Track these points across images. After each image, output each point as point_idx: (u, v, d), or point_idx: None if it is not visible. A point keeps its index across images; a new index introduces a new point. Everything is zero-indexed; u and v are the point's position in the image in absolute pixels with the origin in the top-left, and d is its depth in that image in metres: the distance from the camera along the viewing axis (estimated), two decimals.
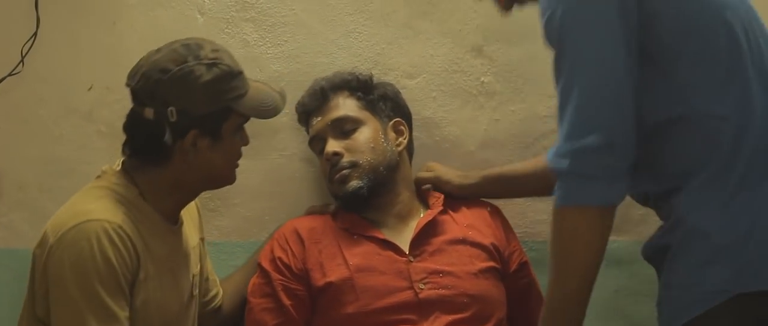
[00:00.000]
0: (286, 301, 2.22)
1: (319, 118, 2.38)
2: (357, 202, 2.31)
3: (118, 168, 2.13)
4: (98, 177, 2.13)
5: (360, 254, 2.24)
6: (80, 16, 2.61)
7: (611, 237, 1.86)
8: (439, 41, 2.62)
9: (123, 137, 2.52)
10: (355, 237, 2.29)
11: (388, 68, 2.56)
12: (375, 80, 2.45)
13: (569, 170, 1.73)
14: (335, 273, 2.21)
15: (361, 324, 2.17)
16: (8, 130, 2.60)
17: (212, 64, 2.07)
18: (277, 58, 2.60)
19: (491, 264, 2.28)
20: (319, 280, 2.22)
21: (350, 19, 2.61)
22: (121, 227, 1.98)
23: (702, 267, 1.69)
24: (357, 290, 2.18)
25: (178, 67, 2.05)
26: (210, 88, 2.05)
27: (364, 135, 2.34)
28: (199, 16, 2.60)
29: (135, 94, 2.11)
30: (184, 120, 2.04)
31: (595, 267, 1.79)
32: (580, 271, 1.78)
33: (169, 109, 2.04)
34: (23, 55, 2.56)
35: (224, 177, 2.18)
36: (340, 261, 2.23)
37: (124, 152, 2.15)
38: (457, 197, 2.40)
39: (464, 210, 2.37)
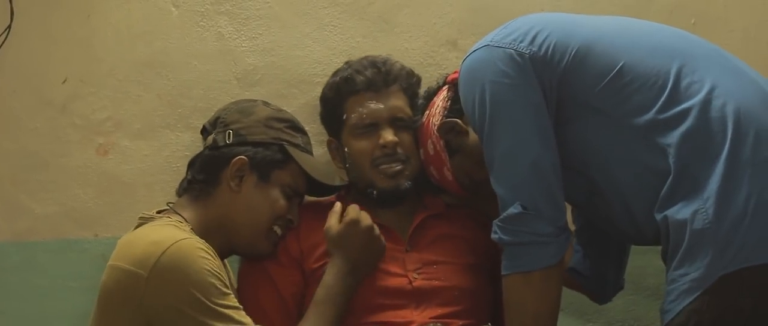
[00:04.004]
0: (282, 289, 2.21)
1: (380, 105, 2.31)
2: (397, 200, 2.29)
3: (155, 212, 2.13)
4: (140, 224, 2.10)
5: None
6: (55, 8, 2.61)
7: None
8: (414, 34, 2.62)
9: (97, 129, 2.55)
10: None
11: None
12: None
13: (505, 240, 1.92)
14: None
15: (353, 304, 2.16)
16: None
17: (277, 109, 2.25)
18: (251, 51, 2.60)
19: (483, 261, 2.28)
20: (313, 263, 2.22)
21: (325, 13, 2.62)
22: (204, 243, 1.99)
23: (689, 257, 1.72)
24: None
25: (247, 103, 2.26)
26: (269, 119, 2.19)
27: (410, 137, 2.32)
28: (173, 9, 2.60)
29: (206, 130, 2.23)
30: (239, 143, 2.14)
31: (549, 324, 1.95)
32: None
33: (227, 131, 2.15)
34: None
35: (260, 230, 2.16)
36: None
37: (177, 191, 2.20)
38: (456, 204, 2.40)
39: (462, 213, 2.37)
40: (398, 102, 2.33)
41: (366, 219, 2.17)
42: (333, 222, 2.17)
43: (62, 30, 2.61)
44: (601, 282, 2.25)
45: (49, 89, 2.58)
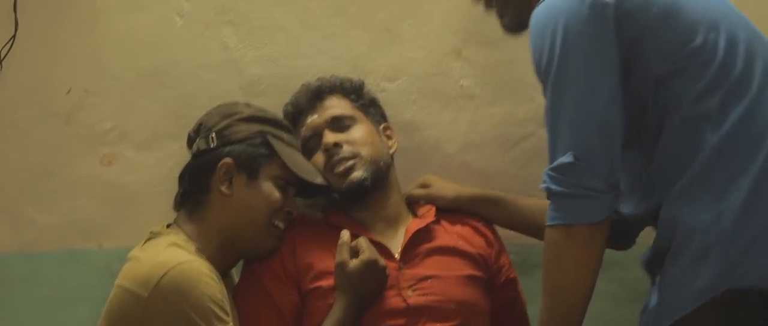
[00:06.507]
0: (283, 307, 2.19)
1: (315, 116, 2.36)
2: (358, 195, 2.28)
3: (165, 226, 2.13)
4: (149, 238, 2.10)
5: None
6: (59, 19, 2.60)
7: None
8: (418, 44, 2.61)
9: (101, 139, 2.55)
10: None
11: (367, 71, 2.55)
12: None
13: (553, 190, 1.82)
14: (325, 277, 2.19)
15: None
16: None
17: (259, 109, 2.25)
18: (256, 61, 2.59)
19: (479, 273, 2.27)
20: (309, 282, 2.20)
21: (329, 23, 2.61)
22: (208, 266, 1.99)
23: (694, 264, 1.70)
24: None
25: (227, 106, 2.26)
26: (250, 118, 2.19)
27: (361, 131, 2.34)
28: (178, 19, 2.60)
29: (191, 139, 2.22)
30: (222, 145, 2.14)
31: (586, 286, 1.85)
32: (571, 291, 1.84)
33: (210, 134, 2.15)
34: (1, 58, 2.56)
35: (261, 227, 2.16)
36: (330, 264, 2.20)
37: (174, 205, 2.19)
38: (449, 210, 2.38)
39: (456, 220, 2.35)
40: (335, 105, 2.37)
41: (378, 256, 2.16)
42: (346, 256, 2.15)
43: (66, 40, 2.61)
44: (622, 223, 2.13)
45: (53, 100, 2.58)
